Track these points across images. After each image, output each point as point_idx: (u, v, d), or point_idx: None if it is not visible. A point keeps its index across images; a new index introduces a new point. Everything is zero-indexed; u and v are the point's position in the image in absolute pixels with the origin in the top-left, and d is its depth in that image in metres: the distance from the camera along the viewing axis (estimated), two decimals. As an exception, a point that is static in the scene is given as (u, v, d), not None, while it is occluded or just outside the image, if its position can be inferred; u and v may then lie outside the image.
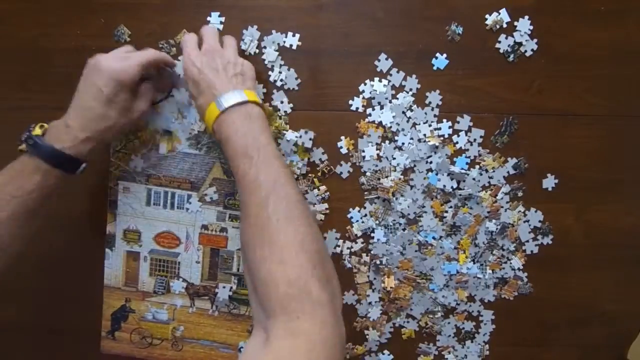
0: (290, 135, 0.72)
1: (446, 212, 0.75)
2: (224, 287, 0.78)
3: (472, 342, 0.81)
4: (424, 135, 0.73)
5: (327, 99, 0.73)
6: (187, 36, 0.63)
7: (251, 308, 0.50)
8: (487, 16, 0.70)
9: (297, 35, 0.71)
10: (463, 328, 0.80)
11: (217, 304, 0.79)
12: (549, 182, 0.75)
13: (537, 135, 0.74)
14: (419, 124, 0.73)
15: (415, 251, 0.77)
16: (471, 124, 0.73)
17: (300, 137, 0.73)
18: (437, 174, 0.74)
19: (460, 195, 0.74)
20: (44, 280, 0.80)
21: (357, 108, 0.73)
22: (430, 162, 0.74)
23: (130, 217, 0.77)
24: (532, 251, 0.77)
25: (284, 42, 0.71)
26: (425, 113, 0.73)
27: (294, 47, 0.71)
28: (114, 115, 0.60)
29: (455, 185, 0.74)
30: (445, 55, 0.71)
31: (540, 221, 0.76)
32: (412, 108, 0.73)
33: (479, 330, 0.80)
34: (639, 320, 0.81)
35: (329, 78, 0.72)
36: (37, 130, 0.58)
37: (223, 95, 0.57)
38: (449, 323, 0.80)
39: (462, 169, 0.74)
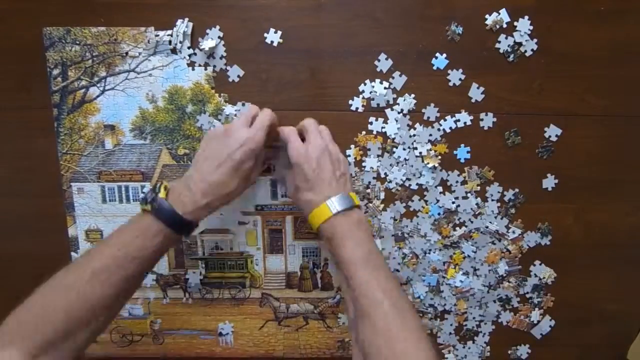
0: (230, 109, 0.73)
1: (452, 234, 0.77)
2: (193, 273, 0.79)
3: (473, 342, 0.81)
4: (420, 153, 0.74)
5: (327, 99, 0.73)
6: (288, 128, 0.64)
7: None
8: (487, 16, 0.70)
9: (279, 33, 0.71)
10: (465, 325, 0.80)
11: (190, 291, 0.80)
12: (549, 182, 0.75)
13: (537, 135, 0.74)
14: (419, 143, 0.74)
15: (399, 263, 0.78)
16: (471, 117, 0.73)
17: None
18: (437, 203, 0.76)
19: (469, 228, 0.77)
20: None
21: (357, 108, 0.73)
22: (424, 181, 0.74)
23: (89, 217, 0.77)
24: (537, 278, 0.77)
25: (265, 37, 0.71)
26: (430, 134, 0.74)
27: (275, 44, 0.71)
28: (236, 183, 0.61)
29: (454, 208, 0.76)
30: (445, 55, 0.71)
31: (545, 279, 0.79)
32: (415, 126, 0.74)
33: (479, 329, 0.81)
34: (639, 320, 0.81)
35: (329, 78, 0.72)
36: (163, 193, 0.59)
37: (334, 197, 0.60)
38: (446, 319, 0.80)
39: (466, 159, 0.75)
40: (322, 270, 0.79)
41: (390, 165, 0.75)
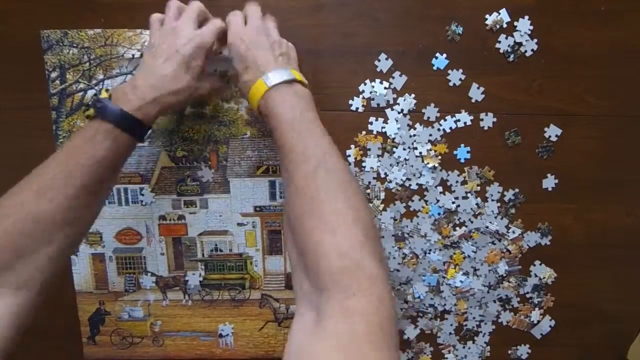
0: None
1: (452, 234, 0.77)
2: (192, 274, 0.79)
3: (473, 342, 0.81)
4: (420, 153, 0.74)
5: (327, 99, 0.73)
6: (232, 14, 0.62)
7: (295, 285, 0.49)
8: (487, 16, 0.70)
9: None
10: (465, 325, 0.80)
11: (190, 292, 0.80)
12: (549, 182, 0.75)
13: (537, 135, 0.74)
14: (420, 143, 0.74)
15: (399, 263, 0.77)
16: (471, 117, 0.73)
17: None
18: (437, 203, 0.76)
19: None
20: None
21: (357, 108, 0.73)
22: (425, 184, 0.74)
23: None
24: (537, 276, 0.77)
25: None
26: (430, 134, 0.74)
27: None
28: (186, 79, 0.59)
29: (454, 208, 0.76)
30: (445, 55, 0.71)
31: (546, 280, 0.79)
32: (415, 126, 0.74)
33: (480, 329, 0.81)
34: (639, 320, 0.81)
35: (329, 78, 0.72)
36: (104, 94, 0.56)
37: (271, 72, 0.57)
38: (446, 319, 0.80)
39: (466, 159, 0.75)
40: None
41: (390, 165, 0.75)
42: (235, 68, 0.61)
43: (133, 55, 0.72)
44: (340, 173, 0.50)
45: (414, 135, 0.74)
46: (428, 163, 0.74)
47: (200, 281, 0.79)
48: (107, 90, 0.58)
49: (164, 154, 0.75)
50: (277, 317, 0.81)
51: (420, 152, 0.74)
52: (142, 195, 0.76)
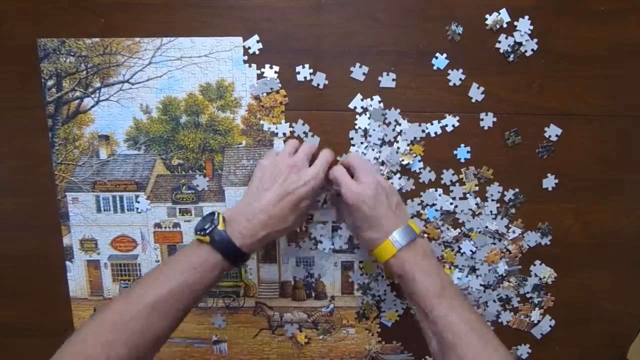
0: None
1: (447, 234, 0.76)
2: None
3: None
4: (398, 149, 0.74)
5: (327, 99, 0.73)
6: (338, 169, 0.64)
7: None
8: (487, 16, 0.70)
9: (260, 43, 0.71)
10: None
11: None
12: (549, 182, 0.75)
13: (537, 135, 0.74)
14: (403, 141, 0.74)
15: None
16: (457, 118, 0.73)
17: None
18: (433, 206, 0.76)
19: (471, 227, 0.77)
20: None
21: (356, 107, 0.73)
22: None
23: (84, 227, 0.78)
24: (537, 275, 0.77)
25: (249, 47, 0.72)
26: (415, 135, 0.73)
27: (257, 52, 0.72)
28: (293, 218, 0.61)
29: (452, 209, 0.76)
30: (445, 55, 0.71)
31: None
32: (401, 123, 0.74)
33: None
34: (639, 320, 0.81)
35: (329, 78, 0.72)
36: (222, 225, 0.58)
37: (396, 232, 0.60)
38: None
39: (466, 158, 0.75)
40: (315, 280, 0.79)
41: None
42: (356, 225, 0.63)
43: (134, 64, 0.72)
44: (498, 344, 0.56)
45: (401, 132, 0.74)
46: (403, 160, 0.73)
47: None
48: (223, 219, 0.59)
49: (160, 162, 0.75)
50: (271, 324, 0.81)
51: (398, 148, 0.74)
52: (138, 202, 0.76)
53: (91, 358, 0.51)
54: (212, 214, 0.60)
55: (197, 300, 0.58)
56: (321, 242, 0.77)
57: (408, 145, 0.74)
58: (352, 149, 0.74)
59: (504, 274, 0.78)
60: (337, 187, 0.64)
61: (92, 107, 0.74)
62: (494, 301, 0.79)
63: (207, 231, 0.57)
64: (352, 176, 0.64)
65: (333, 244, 0.77)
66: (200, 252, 0.58)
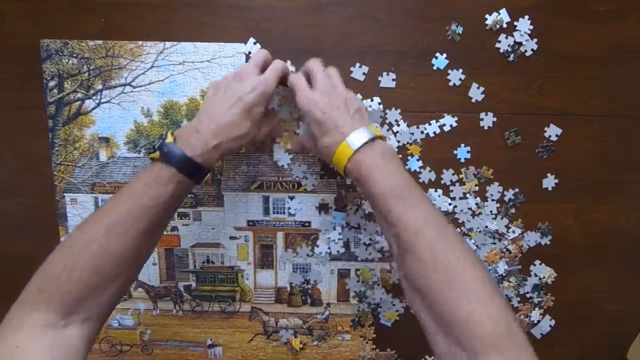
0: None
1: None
2: (184, 286, 0.79)
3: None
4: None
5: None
6: (296, 76, 0.63)
7: (435, 347, 0.50)
8: (487, 16, 0.70)
9: (257, 45, 0.71)
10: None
11: (183, 301, 0.80)
12: (549, 182, 0.75)
13: (537, 135, 0.74)
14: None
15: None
16: (455, 118, 0.73)
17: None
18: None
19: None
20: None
21: (357, 108, 0.73)
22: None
23: None
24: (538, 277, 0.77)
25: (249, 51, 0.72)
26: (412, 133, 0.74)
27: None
28: (247, 125, 0.60)
29: (451, 210, 0.76)
30: (445, 55, 0.71)
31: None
32: (399, 122, 0.73)
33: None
34: (639, 320, 0.81)
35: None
36: (170, 138, 0.58)
37: (352, 134, 0.57)
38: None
39: (466, 158, 0.75)
40: (311, 286, 0.79)
41: None
42: (312, 133, 0.61)
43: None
44: (458, 239, 0.53)
45: (397, 133, 0.74)
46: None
47: (190, 292, 0.80)
48: (172, 134, 0.59)
49: None
50: (267, 330, 0.81)
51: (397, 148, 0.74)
52: (151, 144, 0.75)
53: (53, 277, 0.51)
54: (162, 133, 0.58)
55: (160, 218, 0.57)
56: (317, 246, 0.77)
57: (401, 146, 0.74)
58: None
59: (504, 274, 0.78)
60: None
61: (93, 109, 0.74)
62: (494, 301, 0.79)
63: (156, 147, 0.57)
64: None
65: (329, 248, 0.77)
66: (152, 169, 0.57)
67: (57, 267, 0.52)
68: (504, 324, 0.47)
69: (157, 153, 0.57)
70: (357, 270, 0.78)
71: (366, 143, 0.57)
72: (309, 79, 0.63)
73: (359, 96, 0.64)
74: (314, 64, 0.63)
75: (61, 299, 0.49)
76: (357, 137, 0.57)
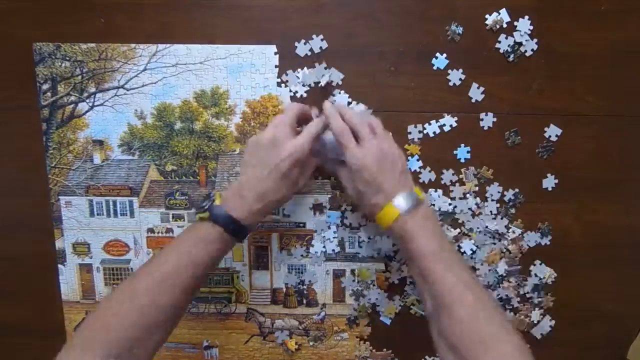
0: None
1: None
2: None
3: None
4: None
5: (327, 99, 0.73)
6: (341, 130, 0.63)
7: None
8: (487, 16, 0.70)
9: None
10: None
11: None
12: (549, 182, 0.75)
13: (537, 135, 0.74)
14: None
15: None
16: (455, 119, 0.73)
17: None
18: (432, 206, 0.76)
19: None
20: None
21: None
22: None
23: (77, 230, 0.78)
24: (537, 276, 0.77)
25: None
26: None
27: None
28: (284, 189, 0.62)
29: (451, 210, 0.76)
30: (445, 55, 0.71)
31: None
32: None
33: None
34: (639, 320, 0.81)
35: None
36: (219, 200, 0.61)
37: (399, 196, 0.60)
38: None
39: (466, 158, 0.75)
40: (307, 287, 0.79)
41: None
42: (359, 189, 0.63)
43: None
44: (495, 305, 0.57)
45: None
46: None
47: None
48: (220, 196, 0.62)
49: (153, 168, 0.76)
50: (262, 331, 0.81)
51: None
52: (131, 207, 0.76)
53: (102, 323, 0.55)
54: (209, 193, 0.61)
55: (204, 272, 0.61)
56: (312, 245, 0.77)
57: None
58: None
59: (504, 274, 0.78)
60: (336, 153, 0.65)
61: (87, 111, 0.74)
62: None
63: (205, 207, 0.61)
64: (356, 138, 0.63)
65: (325, 247, 0.77)
66: (202, 228, 0.61)
67: (107, 315, 0.56)
68: None
69: (207, 213, 0.60)
70: (352, 270, 0.78)
71: (411, 207, 0.60)
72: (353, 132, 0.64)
73: (403, 155, 0.64)
74: (358, 120, 0.64)
75: (110, 346, 0.53)
76: (404, 201, 0.60)
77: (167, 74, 0.72)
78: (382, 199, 0.61)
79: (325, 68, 0.71)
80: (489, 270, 0.78)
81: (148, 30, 0.71)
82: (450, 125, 0.73)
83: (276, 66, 0.72)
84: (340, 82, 0.72)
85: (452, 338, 0.54)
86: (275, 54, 0.71)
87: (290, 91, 0.73)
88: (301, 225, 0.77)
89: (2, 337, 0.83)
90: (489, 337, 0.53)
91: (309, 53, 0.71)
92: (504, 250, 0.78)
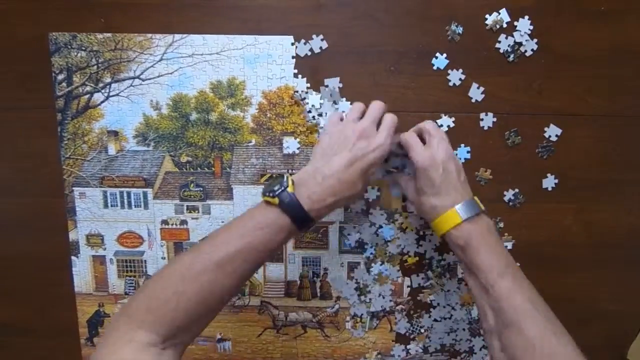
0: None
1: None
2: None
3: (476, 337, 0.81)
4: None
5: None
6: (409, 134, 0.63)
7: None
8: (487, 16, 0.70)
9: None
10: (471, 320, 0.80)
11: None
12: (549, 182, 0.75)
13: (537, 135, 0.74)
14: None
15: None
16: (452, 119, 0.73)
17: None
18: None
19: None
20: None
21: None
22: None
23: (90, 222, 0.78)
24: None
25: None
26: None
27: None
28: (361, 185, 0.60)
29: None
30: (445, 55, 0.71)
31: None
32: None
33: (481, 332, 0.81)
34: (639, 320, 0.81)
35: (329, 78, 0.72)
36: (291, 187, 0.57)
37: (462, 203, 0.59)
38: (444, 307, 0.80)
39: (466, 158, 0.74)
40: (321, 280, 0.79)
41: None
42: (421, 188, 0.62)
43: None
44: (558, 321, 0.57)
45: None
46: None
47: None
48: (292, 183, 0.57)
49: (168, 159, 0.75)
50: (276, 324, 0.81)
51: None
52: (145, 199, 0.76)
53: (162, 301, 0.52)
54: (282, 176, 0.58)
55: (261, 262, 0.58)
56: (328, 238, 0.76)
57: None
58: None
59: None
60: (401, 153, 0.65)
61: (102, 102, 0.74)
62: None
63: (276, 192, 0.56)
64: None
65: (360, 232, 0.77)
66: (268, 214, 0.56)
67: (166, 292, 0.53)
68: None
69: (277, 199, 0.56)
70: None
71: (473, 216, 0.59)
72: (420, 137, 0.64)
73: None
74: (431, 125, 0.64)
75: (166, 324, 0.52)
76: (467, 208, 0.59)
77: (183, 65, 0.72)
78: (443, 202, 0.60)
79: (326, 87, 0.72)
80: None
81: (148, 30, 0.71)
82: (448, 126, 0.73)
83: (293, 57, 0.72)
84: (341, 86, 0.72)
85: (518, 355, 0.54)
86: (292, 44, 0.71)
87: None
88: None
89: (9, 337, 0.83)
90: (560, 357, 0.53)
91: (309, 53, 0.71)
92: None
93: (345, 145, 0.60)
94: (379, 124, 0.62)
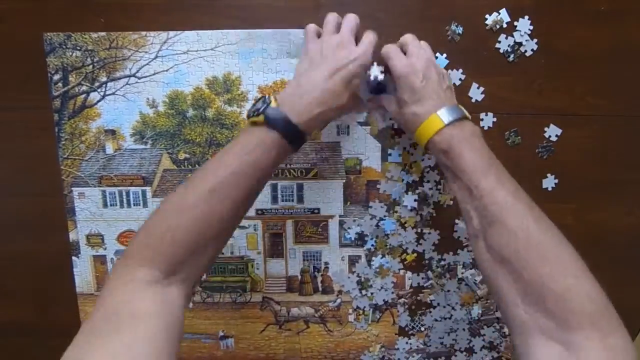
0: None
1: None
2: None
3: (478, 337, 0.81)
4: None
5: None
6: (389, 46, 0.63)
7: (511, 316, 0.51)
8: (487, 16, 0.70)
9: None
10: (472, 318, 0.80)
11: (194, 292, 0.79)
12: (549, 182, 0.75)
13: (537, 135, 0.74)
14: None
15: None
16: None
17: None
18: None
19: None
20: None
21: (357, 108, 0.73)
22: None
23: (90, 222, 0.78)
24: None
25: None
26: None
27: None
28: (346, 96, 0.59)
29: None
30: (445, 55, 0.71)
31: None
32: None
33: (481, 332, 0.81)
34: (639, 320, 0.81)
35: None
36: (275, 103, 0.56)
37: (444, 108, 0.58)
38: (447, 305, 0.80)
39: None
40: (322, 274, 0.79)
41: None
42: (402, 98, 0.61)
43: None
44: (544, 215, 0.54)
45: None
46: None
47: (201, 283, 0.79)
48: (275, 99, 0.57)
49: (166, 156, 0.75)
50: (278, 319, 0.81)
51: None
52: (144, 197, 0.76)
53: (158, 236, 0.52)
54: (263, 96, 0.57)
55: (258, 183, 0.57)
56: (328, 232, 0.75)
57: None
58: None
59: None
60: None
61: (99, 101, 0.74)
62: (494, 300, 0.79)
63: (260, 110, 0.55)
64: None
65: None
66: (256, 133, 0.55)
67: (161, 228, 0.53)
68: (601, 302, 0.49)
69: (262, 117, 0.55)
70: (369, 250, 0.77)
71: (457, 120, 0.57)
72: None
73: (447, 73, 0.64)
74: (409, 36, 0.63)
75: (165, 259, 0.51)
76: (450, 112, 0.57)
77: (178, 61, 0.72)
78: (425, 109, 0.59)
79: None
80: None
81: (148, 29, 0.71)
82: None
83: (288, 52, 0.72)
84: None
85: (503, 250, 0.51)
86: (287, 37, 0.71)
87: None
88: (315, 211, 0.77)
89: (10, 337, 0.83)
90: (544, 246, 0.51)
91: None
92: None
93: (325, 57, 0.59)
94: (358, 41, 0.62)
